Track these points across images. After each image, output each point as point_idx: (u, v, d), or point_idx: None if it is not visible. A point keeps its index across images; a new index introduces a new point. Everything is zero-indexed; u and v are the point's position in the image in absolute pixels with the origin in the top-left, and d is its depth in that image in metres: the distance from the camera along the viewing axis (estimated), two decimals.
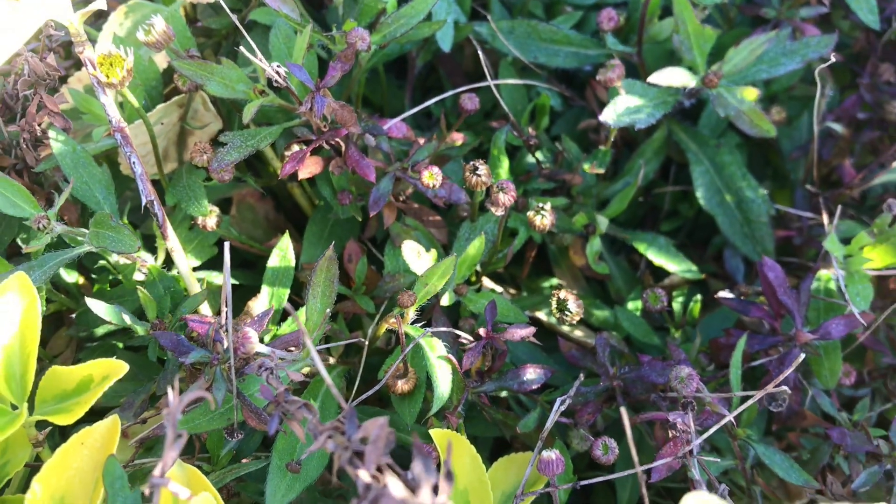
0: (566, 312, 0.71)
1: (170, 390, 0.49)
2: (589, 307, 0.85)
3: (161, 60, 0.86)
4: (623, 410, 0.53)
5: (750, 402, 0.60)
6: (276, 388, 0.58)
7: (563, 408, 0.65)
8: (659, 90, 0.80)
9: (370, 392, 0.68)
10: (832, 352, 0.73)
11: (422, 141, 0.81)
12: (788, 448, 0.79)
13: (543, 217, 0.74)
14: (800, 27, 0.87)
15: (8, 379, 0.66)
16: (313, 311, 0.67)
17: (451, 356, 0.69)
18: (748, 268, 0.88)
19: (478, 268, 0.85)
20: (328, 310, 0.66)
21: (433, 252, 0.76)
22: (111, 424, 0.66)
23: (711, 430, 0.60)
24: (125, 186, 0.91)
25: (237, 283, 0.89)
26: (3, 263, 0.78)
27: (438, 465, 0.67)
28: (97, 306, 0.72)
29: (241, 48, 0.79)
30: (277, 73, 0.69)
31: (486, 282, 0.87)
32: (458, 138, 0.83)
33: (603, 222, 0.81)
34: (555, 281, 0.89)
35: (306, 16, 0.80)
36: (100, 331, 0.87)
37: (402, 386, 0.71)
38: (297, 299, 0.84)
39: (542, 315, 0.86)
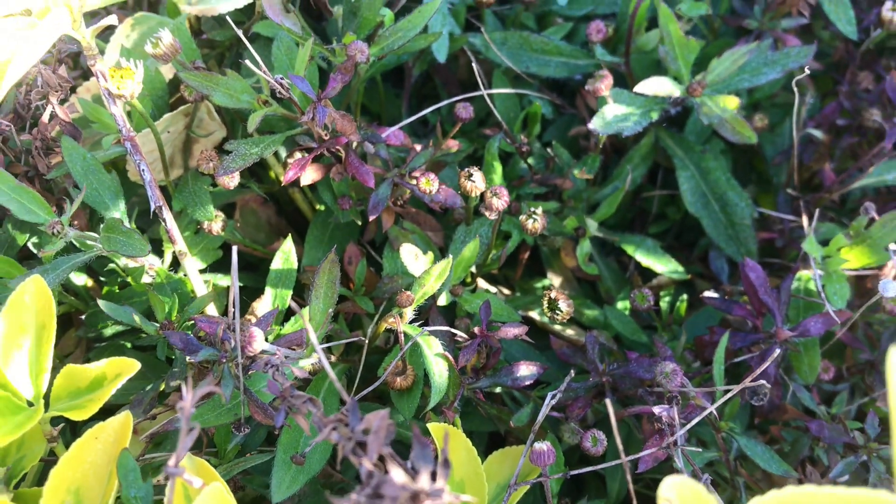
0: (557, 311, 0.75)
1: (183, 386, 0.52)
2: (580, 307, 0.89)
3: (167, 71, 0.89)
4: (609, 403, 0.56)
5: (730, 394, 0.63)
6: (281, 383, 0.61)
7: (553, 402, 0.68)
8: (645, 99, 0.83)
9: (371, 388, 0.71)
10: (811, 348, 0.77)
11: (419, 148, 0.85)
12: (771, 441, 0.82)
13: (535, 221, 0.78)
14: (781, 38, 0.91)
15: (24, 376, 0.69)
16: (316, 311, 0.70)
17: (447, 354, 0.72)
18: (732, 268, 0.92)
19: (473, 269, 0.88)
20: (330, 310, 0.69)
21: (430, 254, 0.80)
22: (124, 420, 0.69)
23: (694, 422, 0.63)
24: (132, 192, 0.94)
25: (241, 284, 0.92)
26: (18, 267, 0.81)
27: (436, 457, 0.71)
28: (109, 307, 0.75)
29: (245, 60, 0.82)
30: (280, 84, 0.72)
31: (481, 283, 0.91)
32: (453, 145, 0.87)
33: (592, 225, 0.84)
34: (547, 282, 0.93)
35: (307, 28, 0.83)
36: (108, 331, 0.90)
37: (400, 382, 0.74)
38: (298, 300, 0.87)
39: (535, 315, 0.89)
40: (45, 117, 0.80)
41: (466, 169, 0.76)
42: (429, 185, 0.76)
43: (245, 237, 0.93)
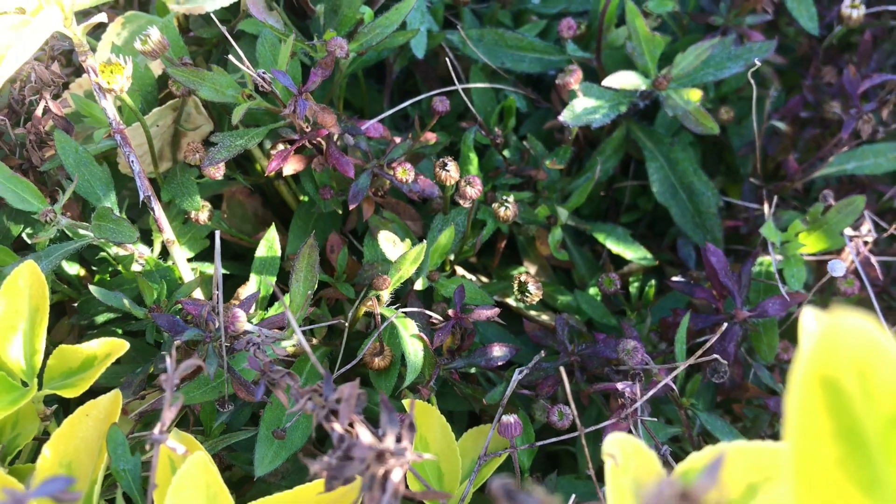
0: (526, 294, 0.79)
1: (168, 359, 0.56)
2: (553, 293, 0.92)
3: (156, 67, 0.92)
4: (565, 377, 0.60)
5: (686, 364, 0.67)
6: (262, 360, 0.65)
7: (521, 377, 0.72)
8: (614, 93, 0.87)
9: (349, 366, 0.75)
10: (770, 329, 0.80)
11: (398, 140, 0.88)
12: (734, 419, 0.86)
13: (507, 209, 0.82)
14: (746, 33, 0.94)
15: (19, 356, 0.72)
16: (297, 294, 0.74)
17: (422, 335, 0.76)
18: (699, 255, 0.95)
19: (451, 257, 0.92)
20: (310, 292, 0.73)
21: (408, 241, 0.83)
22: (113, 397, 0.72)
23: (651, 392, 0.67)
24: (122, 185, 0.98)
25: (228, 273, 0.96)
26: (12, 255, 0.84)
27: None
28: (100, 293, 0.79)
29: (230, 56, 0.86)
30: (263, 79, 0.76)
31: (459, 270, 0.95)
32: (431, 138, 0.90)
33: (563, 213, 0.88)
34: (523, 269, 0.96)
35: (290, 25, 0.87)
36: (100, 319, 0.94)
37: (378, 362, 0.78)
38: (283, 287, 0.90)
39: (510, 301, 0.93)
40: (39, 112, 0.84)
41: (441, 159, 0.79)
42: (405, 174, 0.80)
43: (232, 228, 0.97)
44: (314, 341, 0.83)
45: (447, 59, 0.94)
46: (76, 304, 0.92)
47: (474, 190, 0.79)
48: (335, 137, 0.83)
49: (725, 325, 0.74)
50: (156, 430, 0.56)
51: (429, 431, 0.74)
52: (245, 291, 0.85)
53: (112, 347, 0.72)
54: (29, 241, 0.94)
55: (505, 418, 0.69)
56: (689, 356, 0.77)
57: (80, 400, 0.73)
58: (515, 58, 0.94)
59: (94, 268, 0.97)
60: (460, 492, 0.73)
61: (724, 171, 1.04)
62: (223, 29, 0.79)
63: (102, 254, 0.90)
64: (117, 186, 0.90)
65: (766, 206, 0.85)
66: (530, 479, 0.75)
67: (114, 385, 0.89)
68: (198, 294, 0.85)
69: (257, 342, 0.67)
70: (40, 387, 0.73)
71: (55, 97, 0.87)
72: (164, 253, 0.90)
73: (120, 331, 0.92)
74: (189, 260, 0.91)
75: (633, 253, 0.92)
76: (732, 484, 0.46)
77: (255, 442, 0.78)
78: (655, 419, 0.74)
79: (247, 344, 0.68)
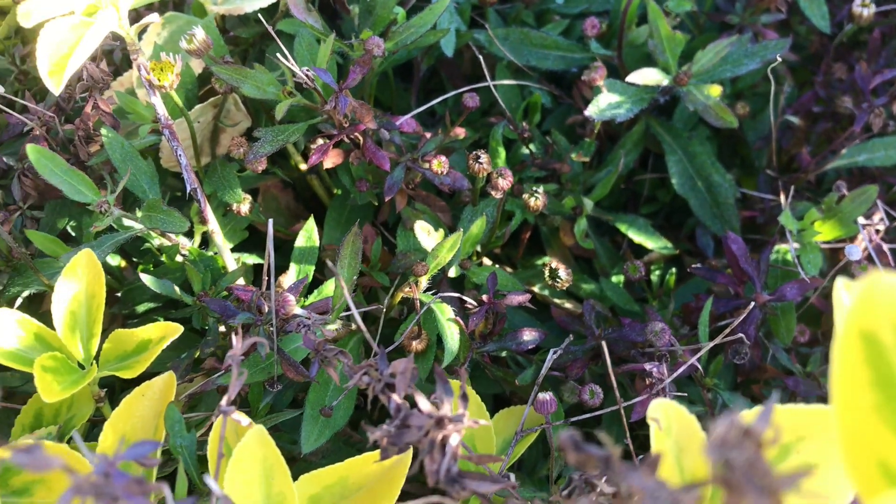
0: (557, 279, 0.83)
1: (234, 336, 0.60)
2: (577, 281, 0.96)
3: (196, 66, 0.96)
4: (606, 351, 0.64)
5: (709, 345, 0.71)
6: (314, 340, 0.69)
7: (555, 357, 0.76)
8: (637, 88, 0.91)
9: (389, 349, 0.78)
10: (787, 312, 0.84)
11: (428, 135, 0.92)
12: (753, 399, 0.90)
13: (537, 199, 0.86)
14: (761, 31, 0.98)
15: (77, 341, 0.76)
16: (343, 279, 0.77)
17: (458, 319, 0.80)
18: (717, 245, 0.99)
19: (478, 248, 0.96)
20: (354, 276, 0.77)
21: (440, 231, 0.87)
22: (168, 378, 0.76)
23: (679, 372, 0.71)
24: (162, 180, 1.02)
25: (263, 262, 0.99)
26: (62, 246, 0.88)
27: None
28: (150, 280, 0.83)
29: (270, 55, 0.89)
30: (307, 76, 0.80)
31: (486, 261, 0.98)
32: (460, 133, 0.95)
33: (588, 204, 0.92)
34: (547, 259, 1.00)
35: (326, 26, 0.91)
36: (141, 308, 0.98)
37: (416, 346, 0.82)
38: (319, 276, 0.94)
39: (535, 289, 0.96)
40: (89, 109, 0.88)
41: (475, 152, 0.83)
42: (440, 166, 0.84)
43: (266, 220, 1.01)
44: (353, 326, 0.87)
45: (477, 57, 0.98)
46: (119, 294, 0.96)
47: (506, 181, 0.83)
48: (371, 132, 0.87)
49: (750, 306, 0.78)
50: (223, 403, 0.59)
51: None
52: (285, 280, 0.89)
53: (166, 331, 0.76)
54: (73, 234, 0.98)
55: (541, 395, 0.72)
56: (710, 339, 0.81)
57: (131, 385, 0.77)
58: (540, 56, 0.98)
59: (134, 259, 1.01)
60: (496, 468, 0.77)
61: (739, 164, 1.08)
62: (269, 28, 0.83)
63: (146, 245, 0.94)
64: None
65: (782, 197, 0.89)
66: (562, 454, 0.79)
67: (159, 371, 0.93)
68: (241, 282, 0.89)
69: (307, 324, 0.71)
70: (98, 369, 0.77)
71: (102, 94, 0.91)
72: (204, 244, 0.94)
73: (161, 319, 0.96)
74: (230, 250, 0.95)
75: (654, 243, 0.96)
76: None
77: (297, 423, 0.82)
78: (678, 401, 0.78)
79: (297, 326, 0.72)
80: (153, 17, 0.78)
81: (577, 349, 0.84)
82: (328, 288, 0.85)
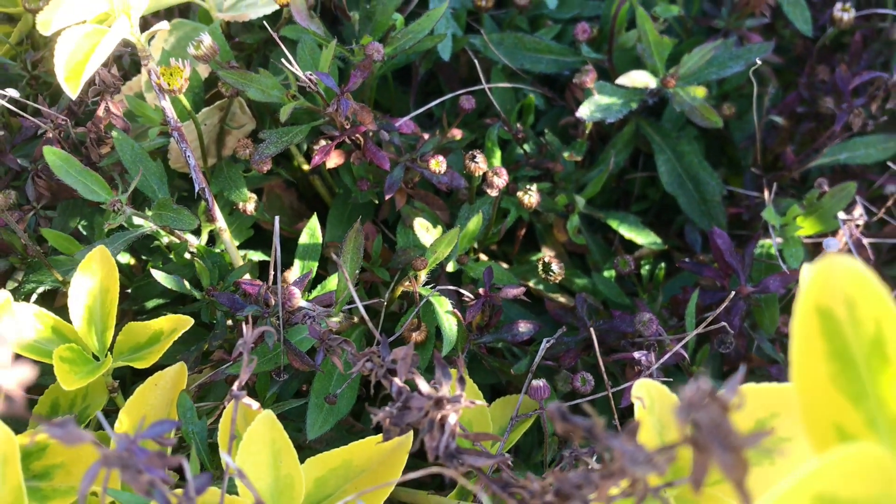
0: (550, 273, 0.86)
1: (244, 326, 0.64)
2: (570, 276, 1.00)
3: (202, 70, 1.00)
4: (596, 342, 0.67)
5: (694, 333, 0.75)
6: (319, 330, 0.73)
7: (548, 346, 0.80)
8: (626, 90, 0.95)
9: (390, 339, 0.82)
10: (771, 304, 0.88)
11: (426, 136, 0.96)
12: None
13: (530, 196, 0.89)
14: (746, 35, 1.02)
15: (92, 333, 0.80)
16: (345, 273, 0.81)
17: (456, 311, 0.84)
18: (705, 240, 1.03)
19: (475, 245, 0.99)
20: (357, 271, 0.80)
21: (439, 228, 0.91)
22: (179, 369, 0.80)
23: (665, 358, 0.74)
24: (168, 181, 1.05)
25: (268, 259, 1.03)
26: (75, 244, 0.92)
27: None
28: (161, 276, 0.87)
29: (273, 59, 0.93)
30: (310, 80, 0.83)
31: (483, 257, 1.02)
32: (457, 134, 0.98)
33: (580, 202, 0.95)
34: (542, 255, 1.04)
35: (328, 32, 0.95)
36: (150, 304, 1.02)
37: (415, 337, 0.86)
38: (322, 272, 0.98)
39: (530, 284, 1.00)
40: (101, 112, 0.91)
41: (471, 152, 0.87)
42: (438, 165, 0.88)
43: (271, 219, 1.05)
44: (355, 320, 0.90)
45: (473, 61, 1.02)
46: (129, 291, 1.00)
47: (501, 180, 0.87)
48: (371, 134, 0.91)
49: (731, 295, 0.81)
50: (234, 387, 0.63)
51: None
52: (290, 275, 0.92)
53: (177, 323, 0.80)
54: (84, 233, 1.01)
55: (535, 382, 0.76)
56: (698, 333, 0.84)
57: (141, 378, 0.81)
58: (533, 59, 1.02)
59: (143, 257, 1.04)
60: (494, 451, 0.81)
61: (726, 163, 1.12)
62: (274, 34, 0.86)
63: (156, 243, 0.97)
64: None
65: (766, 194, 0.93)
66: (555, 438, 0.83)
67: (169, 363, 0.97)
68: (246, 277, 0.93)
69: (313, 315, 0.74)
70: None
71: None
72: (210, 241, 0.98)
73: (169, 314, 1.00)
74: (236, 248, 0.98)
75: (644, 238, 1.00)
76: (742, 420, 0.54)
77: (302, 412, 0.85)
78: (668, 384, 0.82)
79: (303, 318, 0.75)
80: (163, 25, 0.82)
81: (569, 340, 0.87)
82: (331, 283, 0.89)
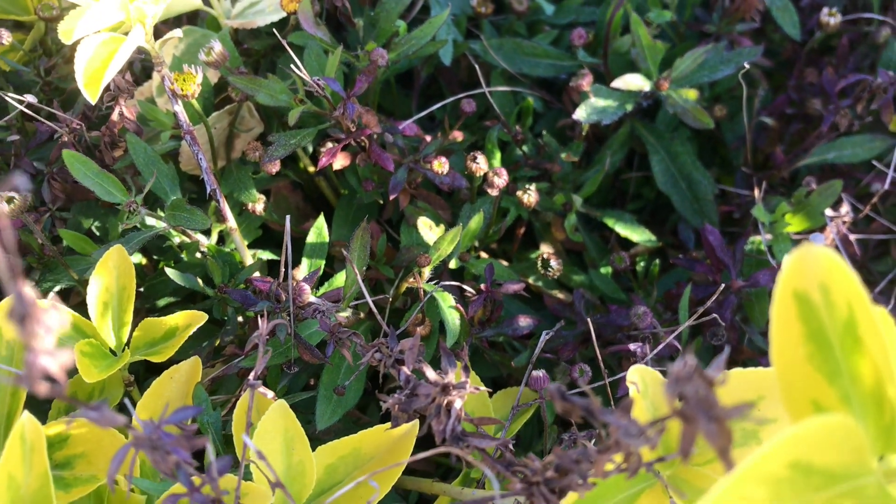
0: (549, 269, 0.90)
1: (260, 319, 0.67)
2: (568, 273, 1.04)
3: (211, 76, 1.03)
4: (594, 335, 0.71)
5: (686, 324, 0.78)
6: (329, 324, 0.76)
7: (547, 338, 0.83)
8: (621, 93, 0.99)
9: (396, 333, 0.85)
10: (762, 298, 0.92)
11: (429, 138, 1.00)
12: None
13: (529, 196, 0.93)
14: (736, 39, 1.06)
15: (110, 329, 0.83)
16: (352, 271, 0.85)
17: (458, 306, 0.87)
18: (698, 238, 1.07)
19: (476, 243, 1.03)
20: (364, 267, 0.84)
21: (441, 226, 0.95)
22: (193, 362, 0.83)
23: (659, 348, 0.78)
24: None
25: (276, 258, 1.07)
26: (90, 244, 0.95)
27: None
28: (174, 274, 0.90)
29: (281, 65, 0.97)
30: (317, 85, 0.87)
31: (484, 254, 1.06)
32: (458, 136, 1.02)
33: (578, 201, 0.99)
34: (540, 252, 1.07)
35: (333, 38, 0.98)
36: (161, 303, 1.05)
37: (420, 331, 0.89)
38: (328, 270, 1.01)
39: (530, 280, 1.04)
40: (115, 116, 0.95)
41: (472, 153, 0.91)
42: (440, 166, 0.91)
43: (278, 219, 1.08)
44: (361, 315, 0.94)
45: (474, 66, 1.06)
46: (141, 290, 1.03)
47: (501, 180, 0.91)
48: (376, 136, 0.94)
49: (720, 288, 0.85)
50: (251, 377, 0.67)
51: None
52: (299, 272, 0.96)
53: (192, 318, 0.83)
54: (97, 234, 1.05)
55: (535, 373, 0.80)
56: (690, 327, 0.88)
57: (155, 373, 0.84)
58: (531, 63, 1.06)
59: (155, 257, 1.08)
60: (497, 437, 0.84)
61: (718, 163, 1.15)
62: (282, 40, 0.90)
63: (168, 243, 1.01)
64: None
65: (756, 192, 0.97)
66: (555, 427, 0.86)
67: (182, 358, 1.00)
68: (255, 275, 0.96)
69: (322, 310, 0.78)
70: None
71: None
72: (220, 241, 1.01)
73: None
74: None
75: (640, 236, 1.04)
76: (730, 401, 0.57)
77: (311, 404, 0.89)
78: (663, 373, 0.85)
79: (313, 312, 0.79)
80: (177, 32, 0.86)
81: (568, 334, 0.91)
82: (338, 280, 0.93)
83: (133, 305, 0.83)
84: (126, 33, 0.83)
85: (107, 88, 0.95)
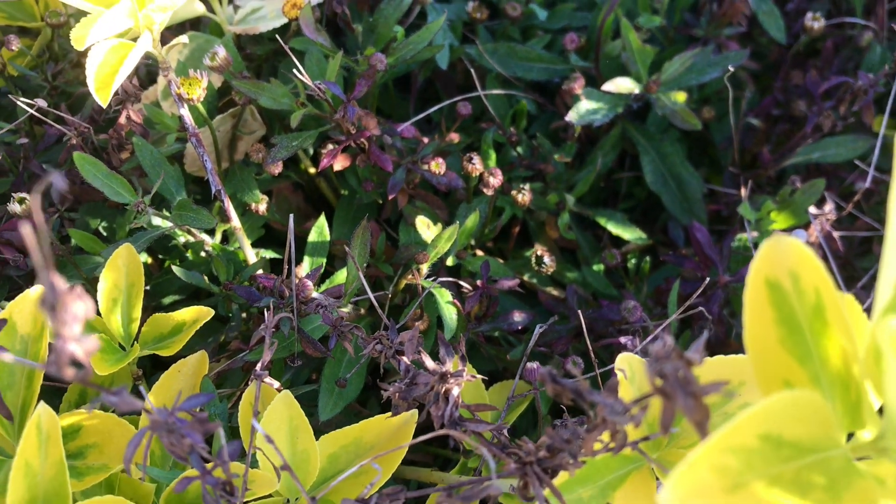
0: (542, 265, 0.93)
1: (266, 312, 0.70)
2: (561, 269, 1.07)
3: (215, 80, 1.07)
4: (585, 329, 0.74)
5: (674, 316, 0.82)
6: (331, 318, 0.79)
7: (541, 331, 0.86)
8: (612, 96, 1.02)
9: (396, 327, 0.89)
10: None
11: (426, 140, 1.03)
12: None
13: (524, 195, 0.96)
14: (724, 43, 1.10)
15: (119, 324, 0.86)
16: (353, 268, 0.88)
17: (456, 301, 0.90)
18: (687, 236, 1.10)
19: (472, 241, 1.06)
20: (364, 264, 0.87)
21: (439, 225, 0.98)
22: (200, 356, 0.86)
23: (648, 340, 0.81)
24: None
25: (278, 257, 1.10)
26: (99, 243, 0.98)
27: None
28: (180, 272, 0.93)
29: (283, 69, 1.00)
30: (319, 88, 0.90)
31: (480, 252, 1.09)
32: (454, 137, 1.05)
33: (570, 200, 1.02)
34: (535, 250, 1.11)
35: (333, 43, 1.01)
36: (167, 300, 1.08)
37: (419, 326, 0.92)
38: (329, 269, 1.05)
39: (525, 277, 1.07)
40: (122, 120, 0.98)
41: (468, 154, 0.94)
42: (437, 167, 0.95)
43: (281, 219, 1.11)
44: (362, 311, 0.97)
45: (469, 70, 1.09)
46: (147, 288, 1.06)
47: (496, 180, 0.94)
48: (375, 138, 0.98)
49: (705, 282, 0.88)
50: (257, 368, 0.70)
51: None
52: (301, 270, 0.99)
53: (199, 314, 0.86)
54: (104, 234, 1.08)
55: (529, 365, 0.83)
56: (679, 321, 0.91)
57: (162, 368, 0.87)
58: (525, 67, 1.09)
59: (160, 256, 1.11)
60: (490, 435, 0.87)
61: (707, 163, 1.19)
62: (285, 46, 0.93)
63: (173, 242, 1.04)
64: None
65: (743, 191, 1.00)
66: (549, 418, 0.89)
67: (187, 354, 1.03)
68: (259, 272, 0.99)
69: (325, 305, 0.81)
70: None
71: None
72: (224, 240, 1.04)
73: None
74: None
75: (631, 234, 1.07)
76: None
77: (313, 397, 0.92)
78: None
79: (315, 308, 0.82)
80: (183, 38, 0.89)
81: (561, 328, 0.94)
82: (339, 277, 0.96)
83: (142, 302, 0.86)
84: (134, 39, 0.86)
85: (114, 93, 0.99)
